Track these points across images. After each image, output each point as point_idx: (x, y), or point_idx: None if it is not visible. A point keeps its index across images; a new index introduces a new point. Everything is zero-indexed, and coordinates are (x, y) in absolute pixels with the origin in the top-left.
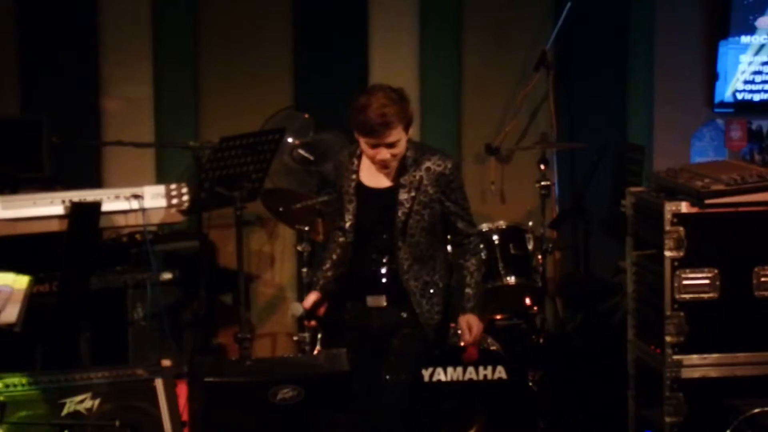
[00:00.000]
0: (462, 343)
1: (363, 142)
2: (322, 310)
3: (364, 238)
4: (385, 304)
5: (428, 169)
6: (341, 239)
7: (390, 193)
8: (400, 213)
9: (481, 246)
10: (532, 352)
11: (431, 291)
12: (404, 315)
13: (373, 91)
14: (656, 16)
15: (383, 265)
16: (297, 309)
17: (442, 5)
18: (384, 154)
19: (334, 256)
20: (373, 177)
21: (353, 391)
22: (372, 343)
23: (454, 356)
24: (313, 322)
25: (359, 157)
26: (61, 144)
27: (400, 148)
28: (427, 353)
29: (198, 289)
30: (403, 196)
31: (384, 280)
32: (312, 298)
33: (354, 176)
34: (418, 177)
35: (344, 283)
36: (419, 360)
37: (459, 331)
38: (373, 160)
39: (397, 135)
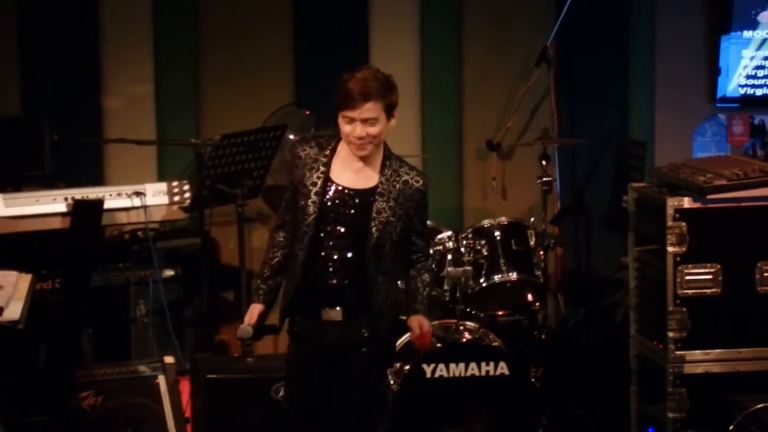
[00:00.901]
0: (413, 339)
1: (341, 120)
2: (266, 321)
3: (324, 240)
4: (341, 318)
5: (406, 182)
6: (282, 240)
7: (365, 196)
8: (376, 222)
9: (434, 266)
10: (534, 347)
11: (390, 305)
12: (364, 333)
13: (361, 68)
14: (657, 11)
15: (346, 275)
16: (246, 331)
17: (442, 0)
18: (360, 130)
19: (275, 262)
20: (345, 175)
21: (291, 417)
22: (323, 359)
23: (456, 353)
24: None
25: (333, 151)
26: (63, 141)
27: (377, 130)
28: (382, 372)
29: (200, 286)
30: (380, 204)
31: (344, 291)
32: (256, 311)
33: (323, 168)
34: (397, 188)
35: (291, 291)
36: (375, 382)
37: (410, 327)
38: (348, 138)
39: (376, 112)
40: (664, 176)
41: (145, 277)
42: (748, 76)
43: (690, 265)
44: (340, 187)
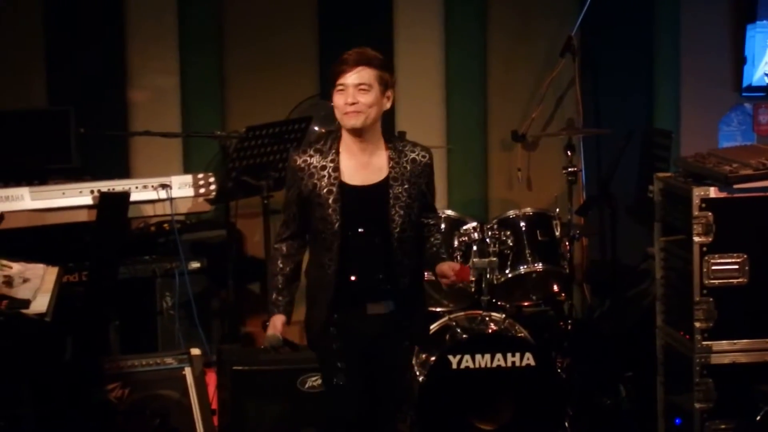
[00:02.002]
0: (451, 280)
1: (335, 95)
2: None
3: (353, 243)
4: (384, 311)
5: (414, 161)
6: (289, 250)
7: (381, 188)
8: (396, 207)
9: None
10: (560, 338)
11: (418, 290)
12: (406, 324)
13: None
14: (683, 1)
15: (380, 267)
16: (276, 339)
17: None
18: (351, 96)
19: (288, 271)
20: (356, 174)
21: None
22: (365, 351)
23: (482, 344)
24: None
25: (337, 153)
26: (89, 135)
27: (370, 99)
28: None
29: (226, 277)
30: (396, 189)
31: (383, 284)
32: (279, 323)
33: (334, 174)
34: (408, 169)
35: (325, 301)
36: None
37: (443, 273)
38: (341, 110)
39: (369, 79)
40: (689, 166)
41: (171, 269)
42: None
43: (716, 255)
44: (355, 188)
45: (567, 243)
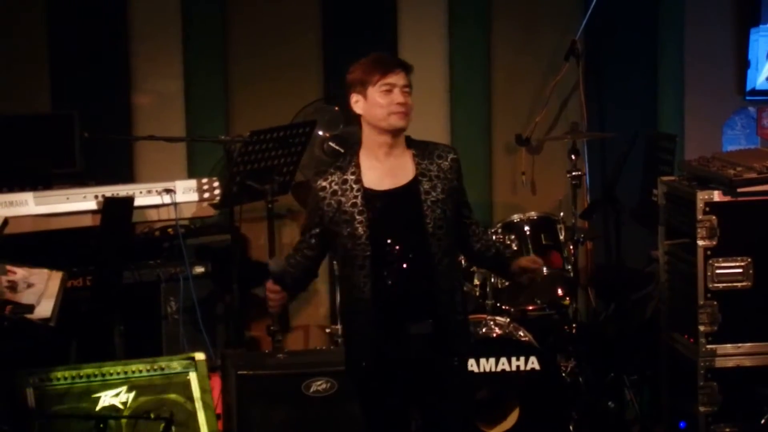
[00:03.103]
0: (530, 275)
1: (377, 92)
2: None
3: (385, 255)
4: (431, 330)
5: (440, 156)
6: (298, 257)
7: (408, 190)
8: (428, 203)
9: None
10: (565, 342)
11: (456, 295)
12: (454, 342)
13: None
14: (686, 4)
15: (419, 277)
16: (279, 264)
17: None
18: (400, 96)
19: (293, 263)
20: (382, 180)
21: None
22: (408, 376)
23: (486, 348)
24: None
25: (357, 166)
26: (93, 139)
27: (410, 101)
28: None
29: (230, 282)
30: (425, 185)
31: (425, 296)
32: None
33: (357, 186)
34: (434, 165)
35: (364, 323)
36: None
37: (522, 268)
38: (388, 108)
39: (408, 80)
40: (693, 170)
41: (175, 273)
42: None
43: (720, 259)
44: (383, 193)
45: (571, 247)
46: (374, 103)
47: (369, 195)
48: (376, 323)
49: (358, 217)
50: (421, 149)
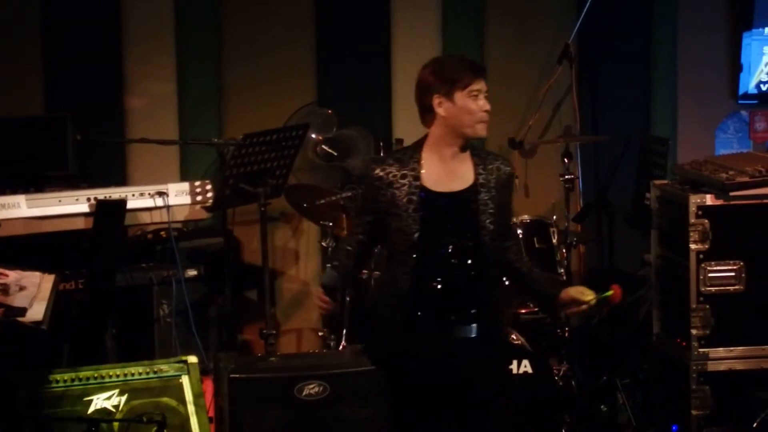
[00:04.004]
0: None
1: (466, 97)
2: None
3: (433, 256)
4: (474, 334)
5: (499, 169)
6: (353, 244)
7: (465, 196)
8: (486, 214)
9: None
10: (558, 345)
11: (501, 306)
12: (497, 344)
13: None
14: (679, 8)
15: (465, 282)
16: (331, 276)
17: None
18: (487, 103)
19: (347, 252)
20: (440, 181)
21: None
22: (448, 379)
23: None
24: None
25: (419, 162)
26: (86, 142)
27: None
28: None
29: (223, 285)
30: (484, 196)
31: (470, 302)
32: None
33: (416, 183)
34: (494, 177)
35: (399, 319)
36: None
37: (572, 299)
38: (476, 115)
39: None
40: (686, 173)
41: (168, 276)
42: None
43: (713, 262)
44: (440, 195)
45: (564, 250)
46: (463, 108)
47: (425, 194)
48: (410, 319)
49: (412, 213)
50: (482, 158)
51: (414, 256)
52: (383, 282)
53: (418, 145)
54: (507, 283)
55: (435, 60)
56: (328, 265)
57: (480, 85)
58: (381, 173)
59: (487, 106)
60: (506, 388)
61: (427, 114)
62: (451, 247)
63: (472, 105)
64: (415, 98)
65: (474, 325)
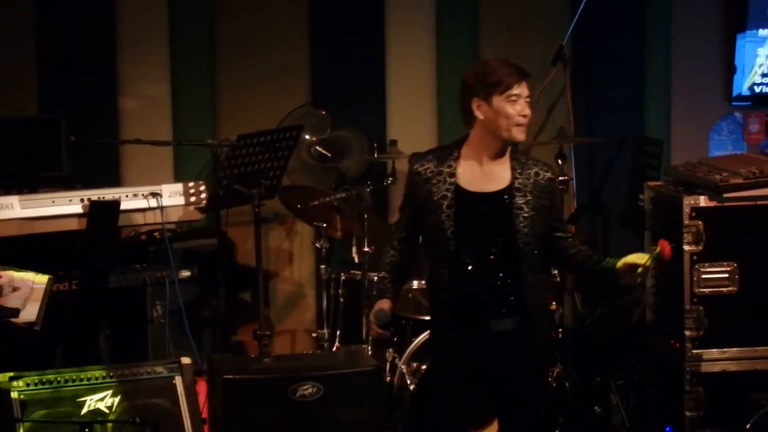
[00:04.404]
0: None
1: (503, 102)
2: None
3: (468, 252)
4: (510, 327)
5: (537, 174)
6: (396, 248)
7: (501, 197)
8: (520, 218)
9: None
10: (552, 347)
11: (543, 303)
12: (532, 340)
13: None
14: (674, 9)
15: (497, 282)
16: (384, 315)
17: (458, 0)
18: (526, 109)
19: (394, 260)
20: (476, 181)
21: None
22: (488, 373)
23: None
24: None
25: (456, 160)
26: (80, 143)
27: (530, 112)
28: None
29: (217, 286)
30: (519, 200)
31: (508, 297)
32: (386, 305)
33: (451, 180)
34: (531, 182)
35: (443, 312)
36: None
37: (630, 266)
38: (513, 120)
39: (529, 91)
40: (680, 175)
41: (161, 277)
42: (764, 75)
43: (706, 264)
44: (473, 195)
45: None
46: (500, 112)
47: (460, 192)
48: (452, 312)
49: (446, 210)
50: (521, 162)
51: (451, 250)
52: (429, 277)
53: (459, 144)
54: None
55: (478, 62)
56: (376, 276)
57: (519, 90)
58: (419, 169)
59: (526, 111)
60: (543, 388)
61: (467, 116)
62: (485, 247)
63: (509, 109)
64: (460, 100)
65: (509, 319)
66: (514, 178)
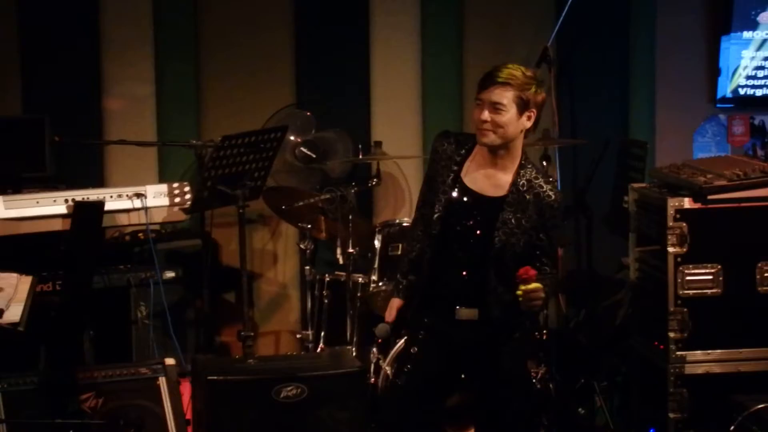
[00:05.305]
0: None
1: (474, 105)
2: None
3: (450, 240)
4: (477, 317)
5: (538, 195)
6: (420, 234)
7: (492, 204)
8: (500, 232)
9: (557, 283)
10: (535, 348)
11: (512, 314)
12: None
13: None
14: (658, 11)
15: (468, 277)
16: (384, 330)
17: (443, 1)
18: (484, 114)
19: (413, 256)
20: (476, 179)
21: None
22: (453, 353)
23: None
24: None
25: (469, 151)
26: (64, 143)
27: (503, 119)
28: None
29: (201, 287)
30: (507, 215)
31: (469, 292)
32: (395, 307)
33: (455, 168)
34: (527, 199)
35: (420, 287)
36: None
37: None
38: (476, 123)
39: (505, 99)
40: (664, 177)
41: (145, 278)
42: (748, 77)
43: (691, 266)
44: (468, 191)
45: None
46: (473, 116)
47: (459, 183)
48: (428, 294)
49: (441, 195)
50: (527, 177)
51: (434, 233)
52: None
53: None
54: None
55: None
56: (398, 276)
57: (485, 95)
58: (438, 147)
59: (484, 116)
60: (515, 377)
61: None
62: (466, 241)
63: (475, 112)
64: None
65: (476, 309)
66: (510, 192)
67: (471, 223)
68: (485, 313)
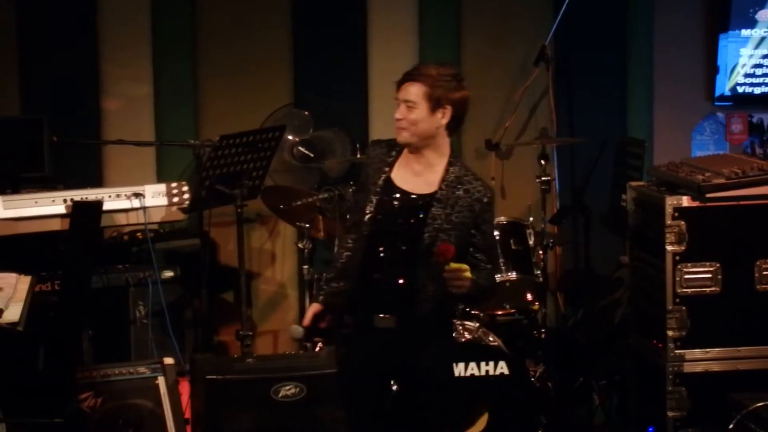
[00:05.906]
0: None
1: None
2: (324, 324)
3: (380, 241)
4: (395, 325)
5: (467, 191)
6: (350, 243)
7: (422, 201)
8: (430, 228)
9: (493, 279)
10: (534, 347)
11: (441, 322)
12: (419, 341)
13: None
14: (656, 9)
15: (398, 279)
16: (296, 331)
17: (440, 1)
18: (398, 112)
19: (340, 264)
20: (406, 178)
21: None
22: (377, 365)
23: (455, 352)
24: (317, 340)
25: (399, 153)
26: (62, 143)
27: (414, 116)
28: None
29: (199, 286)
30: (436, 211)
31: (397, 296)
32: (311, 312)
33: (386, 169)
34: (456, 195)
35: (349, 290)
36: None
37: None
38: (394, 122)
39: (414, 96)
40: (662, 175)
41: (144, 278)
42: (747, 75)
43: (689, 264)
44: (399, 190)
45: (541, 252)
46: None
47: (388, 183)
48: (354, 296)
49: (372, 197)
50: (456, 175)
51: (366, 234)
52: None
53: None
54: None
55: None
56: (322, 282)
57: (401, 94)
58: (371, 152)
59: (396, 114)
60: (437, 385)
61: None
62: (391, 241)
63: (395, 113)
64: None
65: (394, 317)
66: (439, 188)
67: (401, 221)
68: (407, 318)
